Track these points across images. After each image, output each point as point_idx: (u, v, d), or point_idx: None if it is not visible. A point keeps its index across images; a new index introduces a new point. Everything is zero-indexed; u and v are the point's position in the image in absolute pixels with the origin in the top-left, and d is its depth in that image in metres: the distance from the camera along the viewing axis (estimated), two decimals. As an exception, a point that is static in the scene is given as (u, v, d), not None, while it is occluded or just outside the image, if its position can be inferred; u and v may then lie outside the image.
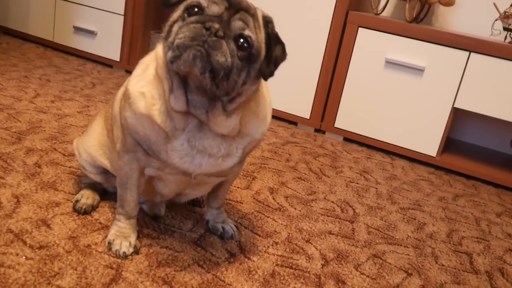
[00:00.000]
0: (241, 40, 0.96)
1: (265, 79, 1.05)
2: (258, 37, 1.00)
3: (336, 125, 2.54)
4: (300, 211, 1.62)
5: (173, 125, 1.06)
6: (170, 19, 1.01)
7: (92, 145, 1.35)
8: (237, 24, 0.97)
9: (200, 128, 1.07)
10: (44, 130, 1.85)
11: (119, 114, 1.16)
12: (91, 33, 3.09)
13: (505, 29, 2.35)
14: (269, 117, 1.18)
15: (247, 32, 0.97)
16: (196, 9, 0.97)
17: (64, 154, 1.67)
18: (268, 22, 1.03)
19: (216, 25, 0.94)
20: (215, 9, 0.97)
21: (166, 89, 1.03)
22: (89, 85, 2.62)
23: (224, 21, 0.96)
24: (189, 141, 1.07)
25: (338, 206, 1.73)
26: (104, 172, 1.36)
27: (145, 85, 1.08)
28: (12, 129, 1.79)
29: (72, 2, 3.11)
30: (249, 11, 1.00)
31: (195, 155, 1.08)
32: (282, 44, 1.06)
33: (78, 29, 3.13)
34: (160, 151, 1.09)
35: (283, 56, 1.06)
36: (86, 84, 2.62)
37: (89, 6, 3.07)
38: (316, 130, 2.63)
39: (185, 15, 0.98)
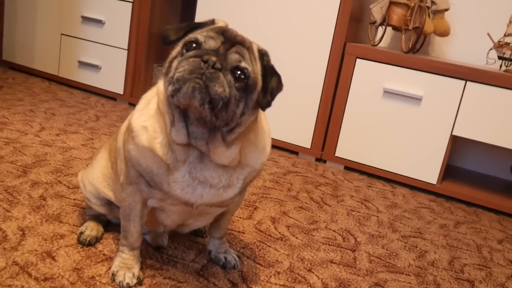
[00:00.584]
0: (238, 72, 1.00)
1: (263, 109, 1.09)
2: (254, 68, 1.03)
3: (336, 154, 2.57)
4: (301, 240, 1.64)
5: (174, 157, 1.09)
6: (170, 55, 1.05)
7: (96, 177, 1.38)
8: (233, 57, 1.01)
9: (201, 160, 1.10)
10: (49, 163, 1.88)
11: (123, 147, 1.19)
12: (96, 67, 3.16)
13: (499, 58, 2.39)
14: (268, 148, 1.21)
15: (243, 64, 1.00)
16: (194, 45, 1.02)
17: (68, 187, 1.70)
18: (263, 55, 1.07)
19: (214, 58, 0.98)
20: (212, 43, 1.01)
21: (167, 122, 1.07)
22: (93, 118, 2.67)
23: (220, 54, 1.00)
24: (190, 172, 1.10)
25: (340, 235, 1.74)
26: (108, 203, 1.39)
27: (147, 119, 1.12)
28: (18, 163, 1.83)
29: (77, 38, 3.19)
30: (244, 44, 1.04)
31: (197, 186, 1.11)
32: (278, 76, 1.09)
33: (82, 64, 3.20)
34: (162, 183, 1.12)
35: (279, 87, 1.09)
36: (90, 117, 2.66)
37: (93, 42, 3.14)
38: (317, 160, 2.66)
39: (184, 50, 1.02)
